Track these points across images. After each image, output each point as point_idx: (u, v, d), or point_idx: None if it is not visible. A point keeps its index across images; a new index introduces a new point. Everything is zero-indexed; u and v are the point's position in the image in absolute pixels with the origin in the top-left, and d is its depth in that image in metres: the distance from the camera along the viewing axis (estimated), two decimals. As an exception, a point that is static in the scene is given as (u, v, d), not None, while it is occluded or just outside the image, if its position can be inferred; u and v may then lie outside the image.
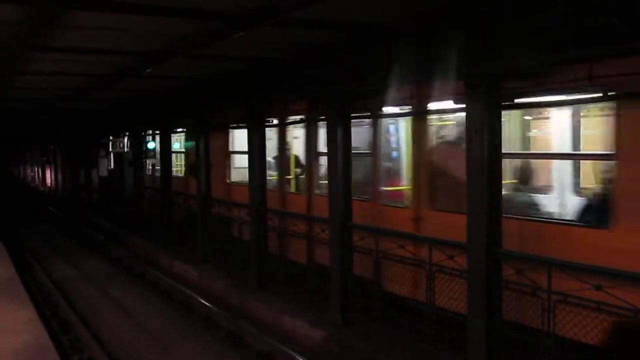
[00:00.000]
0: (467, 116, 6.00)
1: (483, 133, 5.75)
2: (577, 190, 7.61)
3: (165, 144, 15.32)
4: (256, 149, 10.39)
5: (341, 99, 8.03)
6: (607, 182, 6.33)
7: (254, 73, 9.81)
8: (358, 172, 9.04)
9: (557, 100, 6.34)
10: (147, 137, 17.52)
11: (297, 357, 7.56)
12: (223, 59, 8.94)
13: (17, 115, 20.42)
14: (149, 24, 6.56)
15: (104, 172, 22.23)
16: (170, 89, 12.85)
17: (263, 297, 9.83)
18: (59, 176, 31.00)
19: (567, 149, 7.54)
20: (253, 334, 8.55)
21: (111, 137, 20.22)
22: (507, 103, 6.29)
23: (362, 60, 7.45)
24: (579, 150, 7.67)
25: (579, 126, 7.59)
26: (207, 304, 10.13)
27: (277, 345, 7.96)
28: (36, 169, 42.32)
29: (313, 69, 8.37)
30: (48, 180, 36.14)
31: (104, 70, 10.11)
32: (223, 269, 11.81)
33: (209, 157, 12.92)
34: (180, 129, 16.02)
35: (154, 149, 17.07)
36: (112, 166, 21.47)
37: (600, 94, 5.67)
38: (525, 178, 8.15)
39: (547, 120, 8.19)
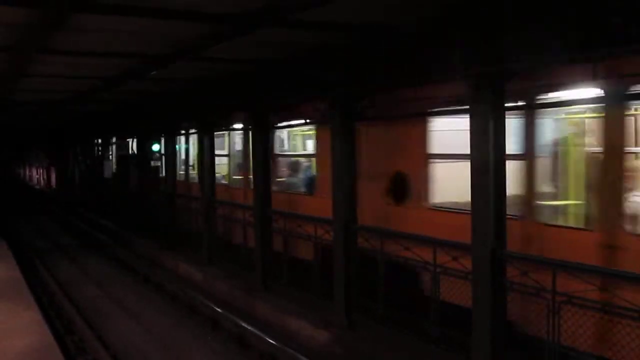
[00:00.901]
0: (471, 118, 5.99)
1: (488, 134, 5.78)
2: (308, 174, 11.63)
3: (170, 146, 15.36)
4: (259, 151, 10.35)
5: (342, 100, 8.05)
6: (315, 170, 10.84)
7: (255, 76, 9.81)
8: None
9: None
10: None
11: (302, 358, 7.55)
12: (225, 61, 8.97)
13: (21, 118, 20.48)
14: (153, 27, 6.59)
15: (108, 174, 22.26)
16: (173, 91, 12.87)
17: (267, 298, 9.85)
18: (64, 178, 31.09)
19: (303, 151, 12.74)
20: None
21: (116, 139, 20.24)
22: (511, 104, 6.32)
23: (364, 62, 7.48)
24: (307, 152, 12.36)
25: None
26: (211, 305, 10.16)
27: (281, 346, 7.97)
28: (41, 171, 42.42)
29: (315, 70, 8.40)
30: (53, 183, 36.28)
31: (108, 73, 10.13)
32: (226, 270, 11.85)
33: (213, 160, 12.90)
34: (184, 131, 16.05)
35: (159, 151, 17.08)
36: (116, 168, 21.48)
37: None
38: (294, 170, 12.34)
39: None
